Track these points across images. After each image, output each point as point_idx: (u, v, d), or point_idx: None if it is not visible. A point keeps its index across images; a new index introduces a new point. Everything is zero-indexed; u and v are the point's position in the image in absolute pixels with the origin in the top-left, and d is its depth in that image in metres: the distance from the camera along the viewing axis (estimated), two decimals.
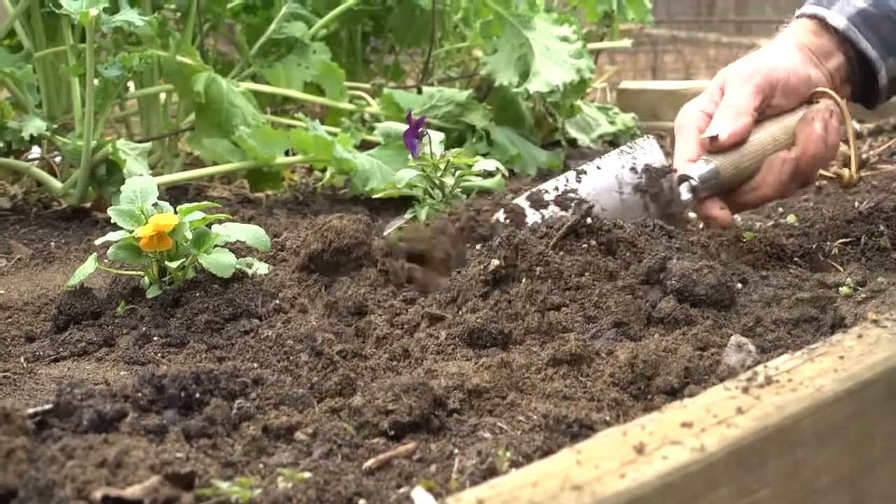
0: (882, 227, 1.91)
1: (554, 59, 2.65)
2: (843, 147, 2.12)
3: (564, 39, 2.71)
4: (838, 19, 1.78)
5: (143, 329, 1.42)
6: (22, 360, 1.34)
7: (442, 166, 1.73)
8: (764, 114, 1.74)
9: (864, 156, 2.70)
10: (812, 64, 1.78)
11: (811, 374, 0.92)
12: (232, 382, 1.03)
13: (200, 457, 0.90)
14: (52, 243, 2.03)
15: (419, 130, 1.76)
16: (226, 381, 1.02)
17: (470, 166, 1.79)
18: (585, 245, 1.35)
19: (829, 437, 0.89)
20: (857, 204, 2.21)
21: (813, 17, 1.80)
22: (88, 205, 2.25)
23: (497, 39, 2.78)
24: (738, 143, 1.68)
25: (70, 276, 1.54)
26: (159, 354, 1.36)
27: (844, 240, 1.87)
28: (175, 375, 1.00)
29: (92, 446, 0.86)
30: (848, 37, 1.78)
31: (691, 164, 1.69)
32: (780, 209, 2.25)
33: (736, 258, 1.65)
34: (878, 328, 1.06)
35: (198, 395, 1.00)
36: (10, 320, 1.57)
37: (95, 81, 2.10)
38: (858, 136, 3.08)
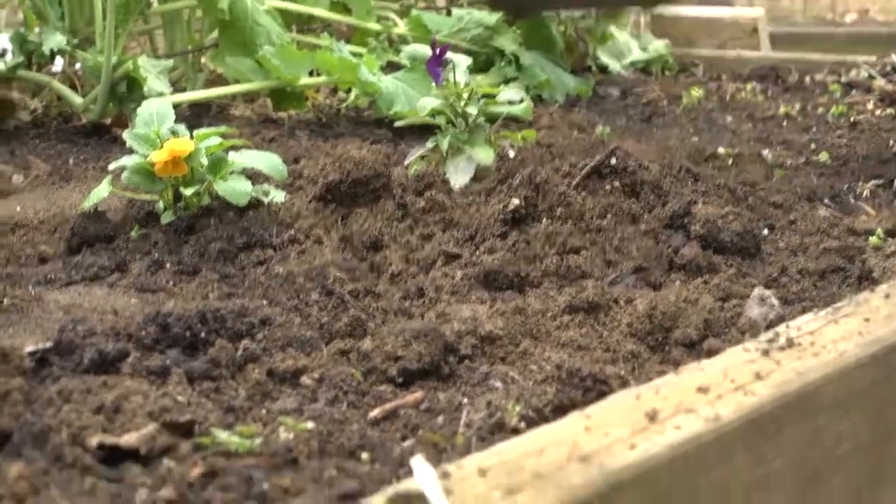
0: None
1: None
2: None
3: None
4: None
5: (156, 255, 1.40)
6: (30, 287, 1.32)
7: (465, 95, 1.68)
8: None
9: None
10: None
11: (834, 338, 0.89)
12: (239, 322, 1.00)
13: (202, 401, 0.88)
14: (71, 160, 2.00)
15: (443, 58, 1.72)
16: (232, 320, 1.00)
17: (494, 95, 1.75)
18: (609, 186, 1.31)
19: (851, 404, 0.86)
20: (891, 143, 2.16)
21: None
22: (108, 121, 2.22)
23: None
24: None
25: (86, 196, 1.52)
26: (171, 282, 1.34)
27: (877, 181, 1.83)
28: (180, 314, 0.97)
29: (90, 389, 0.84)
30: None
31: None
32: (814, 146, 2.20)
33: (763, 201, 1.61)
34: None
35: (203, 334, 0.98)
36: (25, 239, 1.56)
37: None
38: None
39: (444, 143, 1.63)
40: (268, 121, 2.41)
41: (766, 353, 0.86)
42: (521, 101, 2.02)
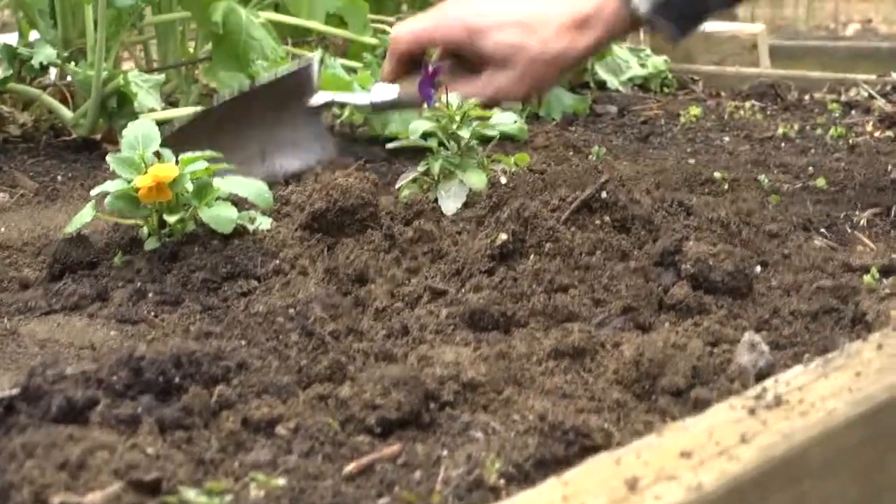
0: None
1: None
2: None
3: None
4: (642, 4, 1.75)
5: (138, 284, 1.38)
6: (5, 320, 1.30)
7: (458, 117, 1.66)
8: None
9: None
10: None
11: (824, 394, 0.87)
12: (214, 366, 0.98)
13: (172, 453, 0.86)
14: (59, 177, 1.98)
15: (436, 79, 1.69)
16: (208, 364, 0.98)
17: (487, 117, 1.73)
18: (599, 221, 1.29)
19: (838, 464, 0.83)
20: (889, 168, 2.13)
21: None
22: (99, 136, 2.20)
23: None
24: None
25: (70, 219, 1.49)
26: (152, 313, 1.31)
27: (874, 210, 1.80)
28: (154, 358, 0.95)
29: (55, 443, 0.82)
30: (642, 17, 1.77)
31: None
32: (811, 170, 2.17)
33: (759, 230, 1.58)
34: None
35: (177, 379, 0.95)
36: (8, 261, 1.54)
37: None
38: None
39: (436, 167, 1.60)
40: None
41: (752, 411, 0.84)
42: (515, 122, 2.01)
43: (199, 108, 1.94)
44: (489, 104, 1.86)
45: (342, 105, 2.11)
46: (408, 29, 1.89)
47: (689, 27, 1.85)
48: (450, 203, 1.56)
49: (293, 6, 2.57)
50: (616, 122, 2.71)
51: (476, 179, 1.60)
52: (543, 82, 1.90)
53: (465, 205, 1.53)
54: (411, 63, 1.89)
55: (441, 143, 1.65)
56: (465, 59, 1.87)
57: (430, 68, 1.69)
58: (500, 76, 1.83)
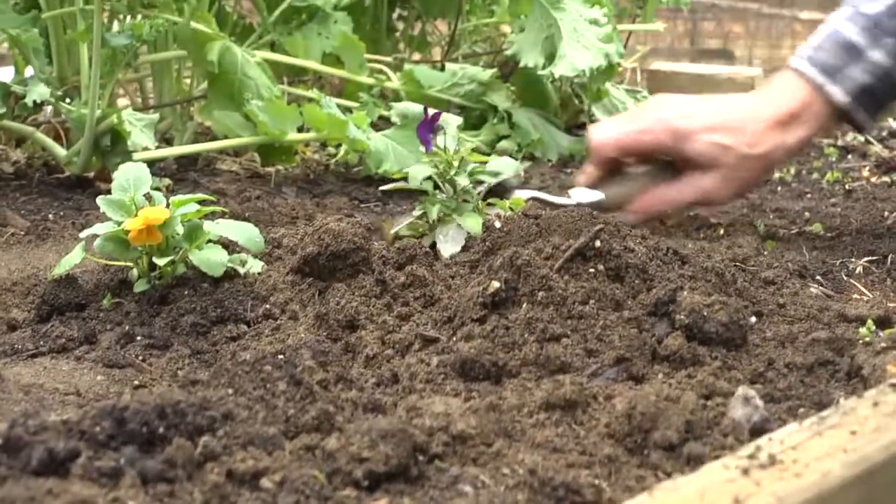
0: None
1: (582, 42, 2.56)
2: None
3: (594, 22, 2.61)
4: (839, 94, 1.77)
5: (127, 327, 1.37)
6: None
7: (455, 163, 1.65)
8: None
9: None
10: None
11: (818, 454, 0.85)
12: (200, 416, 0.96)
13: None
14: (51, 215, 1.97)
15: (435, 124, 1.69)
16: (193, 414, 0.96)
17: (484, 163, 1.72)
18: (592, 269, 1.27)
19: None
20: (885, 214, 2.12)
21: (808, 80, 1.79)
22: (92, 174, 2.19)
23: (525, 18, 2.68)
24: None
25: (61, 259, 1.48)
26: (140, 357, 1.30)
27: (870, 258, 1.79)
28: (137, 408, 0.93)
29: (34, 497, 0.80)
30: (846, 111, 1.79)
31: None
32: (807, 215, 2.16)
33: (755, 277, 1.57)
34: (895, 394, 0.98)
35: (161, 430, 0.94)
36: None
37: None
38: (893, 135, 2.98)
39: (434, 212, 1.60)
40: (255, 176, 2.38)
41: (745, 471, 0.82)
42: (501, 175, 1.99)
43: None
44: (691, 209, 1.92)
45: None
46: (610, 135, 1.87)
47: (879, 114, 1.87)
48: (449, 246, 1.55)
49: (289, 45, 2.56)
50: None
51: (472, 223, 1.59)
52: (750, 183, 1.90)
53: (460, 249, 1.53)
54: (614, 166, 1.89)
55: (436, 186, 1.64)
56: (662, 161, 1.88)
57: (430, 114, 1.68)
58: (705, 179, 1.83)
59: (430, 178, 1.64)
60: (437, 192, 1.64)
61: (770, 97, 1.84)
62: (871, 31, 1.77)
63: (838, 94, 1.76)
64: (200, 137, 2.50)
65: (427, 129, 1.70)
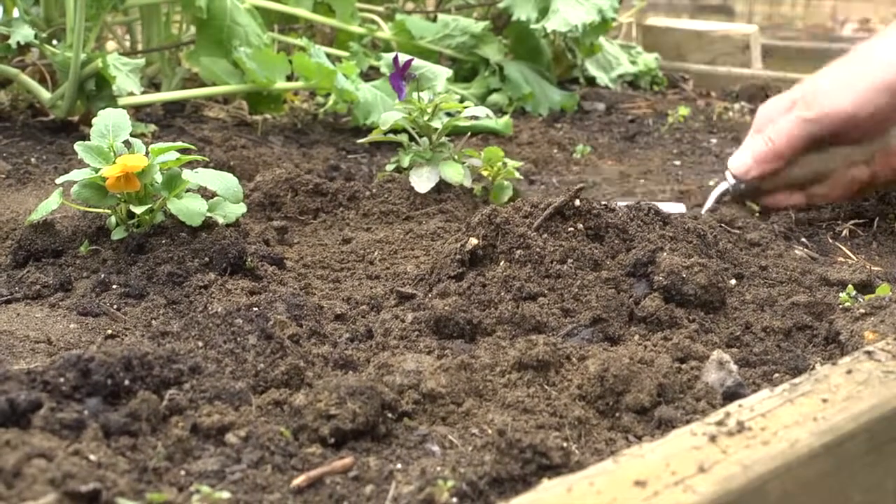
0: None
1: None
2: None
3: None
4: None
5: (103, 275, 1.35)
6: None
7: (429, 111, 1.64)
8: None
9: None
10: None
11: (787, 423, 0.84)
12: (167, 369, 0.95)
13: (115, 461, 0.83)
14: (33, 159, 1.95)
15: (406, 73, 1.67)
16: (160, 367, 0.95)
17: (459, 112, 1.70)
18: (572, 229, 1.26)
19: (798, 497, 0.81)
20: None
21: None
22: (76, 118, 2.16)
23: None
24: (763, 179, 1.74)
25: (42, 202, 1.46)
26: (115, 306, 1.29)
27: (857, 220, 1.78)
28: (103, 360, 0.92)
29: None
30: None
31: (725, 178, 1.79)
32: None
33: (740, 239, 1.56)
34: (870, 361, 0.97)
35: (127, 382, 0.92)
36: None
37: None
38: None
39: (406, 161, 1.59)
40: (242, 124, 2.36)
41: (713, 438, 0.81)
42: (502, 114, 1.98)
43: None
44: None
45: None
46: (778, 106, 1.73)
47: None
48: (423, 184, 1.55)
49: None
50: (603, 119, 2.68)
51: (453, 172, 1.58)
52: None
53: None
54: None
55: (412, 138, 1.63)
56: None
57: (401, 62, 1.67)
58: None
59: (405, 130, 1.64)
60: (413, 143, 1.63)
61: None
62: None
63: None
64: (189, 83, 2.47)
65: (399, 77, 1.68)
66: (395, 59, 1.69)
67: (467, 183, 1.62)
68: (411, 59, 1.70)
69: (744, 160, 1.73)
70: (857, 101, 1.61)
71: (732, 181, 1.78)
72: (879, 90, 1.60)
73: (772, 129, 1.69)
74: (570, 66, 2.98)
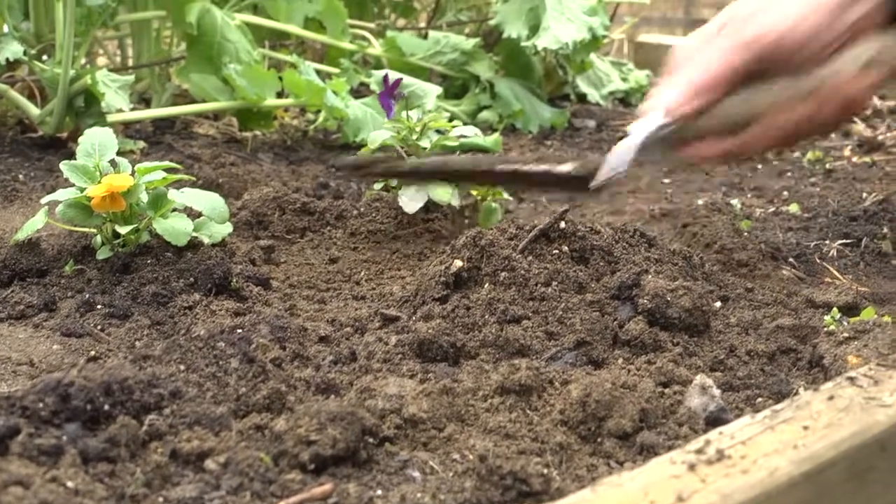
0: (885, 230, 1.82)
1: (566, 14, 2.53)
2: None
3: None
4: None
5: (87, 295, 1.35)
6: None
7: (418, 129, 1.64)
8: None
9: (879, 137, 2.60)
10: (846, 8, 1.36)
11: (767, 451, 0.84)
12: (147, 394, 0.95)
13: (93, 488, 0.83)
14: (21, 176, 1.95)
15: (396, 91, 1.67)
16: (140, 392, 0.95)
17: (448, 130, 1.70)
18: (556, 251, 1.26)
19: None
20: (864, 195, 2.11)
21: None
22: (65, 135, 2.16)
23: None
24: (691, 118, 1.34)
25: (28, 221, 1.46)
26: (99, 326, 1.28)
27: (844, 240, 1.78)
28: (83, 385, 0.92)
29: None
30: None
31: (645, 119, 1.35)
32: (786, 194, 2.15)
33: (729, 259, 1.56)
34: (852, 387, 0.97)
35: (107, 407, 0.92)
36: None
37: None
38: (877, 114, 2.96)
39: (393, 181, 1.59)
40: (232, 141, 2.36)
41: (692, 467, 0.81)
42: (492, 131, 1.98)
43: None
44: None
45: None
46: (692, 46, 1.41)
47: None
48: (411, 204, 1.55)
49: (272, 9, 2.54)
50: (594, 136, 2.68)
51: (441, 192, 1.58)
52: None
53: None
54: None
55: (400, 157, 1.63)
56: None
57: (391, 81, 1.67)
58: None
59: (392, 147, 1.64)
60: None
61: None
62: None
63: None
64: (179, 100, 2.47)
65: (388, 95, 1.68)
66: (385, 77, 1.69)
67: (455, 202, 1.62)
68: (400, 78, 1.70)
69: (676, 92, 1.34)
70: (797, 17, 1.37)
71: (659, 122, 1.34)
72: (820, 4, 1.37)
73: (703, 56, 1.37)
74: (561, 83, 2.99)
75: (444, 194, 1.61)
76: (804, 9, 1.35)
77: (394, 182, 1.66)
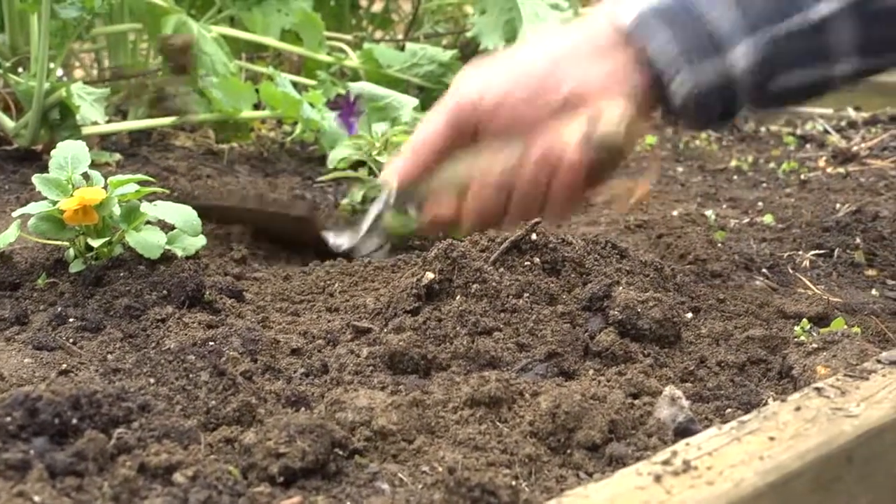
0: (858, 240, 1.83)
1: (542, 26, 2.54)
2: None
3: (555, 7, 2.60)
4: (627, 15, 1.33)
5: (60, 308, 1.34)
6: None
7: (378, 145, 1.64)
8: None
9: (854, 148, 2.62)
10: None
11: (734, 462, 0.85)
12: (116, 407, 0.95)
13: (59, 503, 0.83)
14: None
15: (355, 108, 1.68)
16: (109, 405, 0.94)
17: None
18: (528, 262, 1.26)
19: None
20: (837, 206, 2.13)
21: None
22: (40, 148, 2.16)
23: (486, 0, 2.66)
24: (417, 180, 1.44)
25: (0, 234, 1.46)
26: (72, 340, 1.28)
27: (818, 251, 1.79)
28: (51, 399, 0.92)
29: None
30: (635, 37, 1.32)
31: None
32: (760, 205, 2.17)
33: (702, 272, 1.57)
34: (819, 398, 0.98)
35: (75, 421, 0.92)
36: None
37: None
38: (852, 125, 2.98)
39: (358, 196, 1.59)
40: (208, 153, 2.36)
41: (658, 478, 0.82)
42: None
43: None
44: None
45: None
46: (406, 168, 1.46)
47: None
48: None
49: (248, 21, 2.54)
50: None
51: (397, 223, 1.57)
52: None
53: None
54: None
55: (370, 172, 1.63)
56: None
57: (350, 97, 1.68)
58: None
59: (363, 163, 1.64)
60: (372, 177, 1.64)
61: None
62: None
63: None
64: (155, 112, 2.47)
65: (349, 113, 1.69)
66: (347, 95, 1.70)
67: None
68: (358, 96, 1.71)
69: (402, 158, 1.44)
70: (497, 85, 1.38)
71: (388, 194, 1.47)
72: (511, 79, 1.38)
73: (422, 124, 1.44)
74: None
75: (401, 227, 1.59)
76: (507, 78, 1.37)
77: (358, 198, 1.66)
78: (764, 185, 2.38)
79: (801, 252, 1.79)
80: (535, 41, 1.48)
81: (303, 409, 1.04)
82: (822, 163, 2.56)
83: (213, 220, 1.57)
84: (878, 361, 1.08)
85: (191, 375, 1.04)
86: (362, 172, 1.66)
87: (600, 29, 1.34)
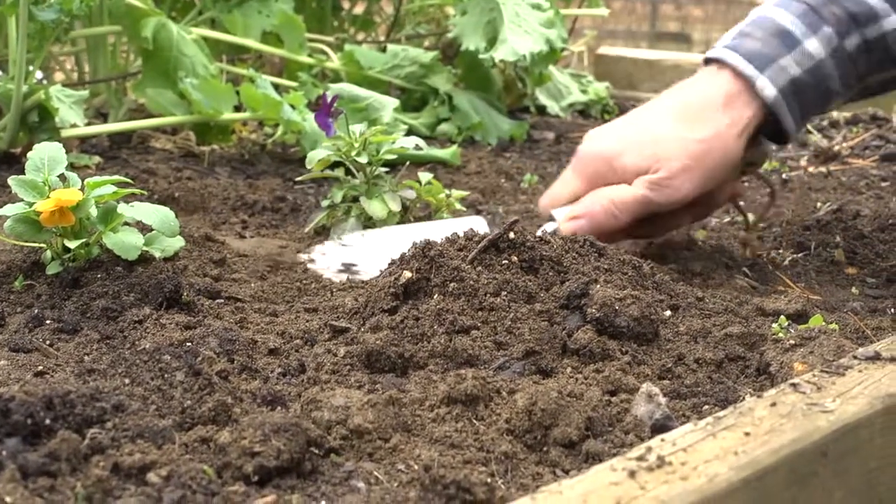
0: (838, 238, 1.84)
1: (523, 26, 2.54)
2: None
3: (536, 7, 2.60)
4: (768, 87, 1.57)
5: (37, 310, 1.34)
6: None
7: (356, 145, 1.64)
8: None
9: (835, 148, 2.62)
10: None
11: (708, 457, 0.84)
12: (89, 408, 0.94)
13: (32, 502, 0.82)
14: None
15: (333, 109, 1.68)
16: (82, 406, 0.94)
17: (391, 142, 1.71)
18: (506, 261, 1.26)
19: None
20: (818, 205, 2.13)
21: (736, 73, 1.59)
22: (19, 150, 2.15)
23: (467, 1, 2.67)
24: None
25: None
26: (48, 342, 1.27)
27: (798, 250, 1.80)
28: (24, 400, 0.91)
29: None
30: (774, 110, 1.59)
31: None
32: (741, 203, 2.16)
33: (679, 275, 1.56)
34: (795, 393, 0.98)
35: (48, 421, 0.92)
36: None
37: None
38: (833, 125, 2.99)
39: (338, 197, 1.59)
40: (189, 155, 2.35)
41: (632, 474, 0.81)
42: (451, 143, 1.98)
43: None
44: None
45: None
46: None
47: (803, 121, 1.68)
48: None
49: (229, 23, 2.53)
50: (552, 148, 2.69)
51: (378, 208, 1.58)
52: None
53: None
54: None
55: (349, 172, 1.63)
56: None
57: (327, 99, 1.67)
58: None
59: (341, 164, 1.64)
60: (350, 177, 1.63)
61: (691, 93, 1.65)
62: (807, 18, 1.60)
63: (768, 86, 1.57)
64: (136, 114, 2.47)
65: (326, 114, 1.69)
66: (323, 96, 1.70)
67: (396, 207, 1.62)
68: (336, 97, 1.71)
69: (580, 227, 1.56)
70: (699, 188, 1.59)
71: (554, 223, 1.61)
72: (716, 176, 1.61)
73: (614, 200, 1.58)
74: (521, 95, 3.00)
75: (381, 210, 1.61)
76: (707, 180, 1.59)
77: (338, 199, 1.65)
78: (745, 183, 2.38)
79: (781, 251, 1.79)
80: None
81: (279, 408, 1.04)
82: (803, 162, 2.57)
83: None
84: (855, 357, 1.08)
85: (166, 375, 1.04)
86: (339, 172, 1.65)
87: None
